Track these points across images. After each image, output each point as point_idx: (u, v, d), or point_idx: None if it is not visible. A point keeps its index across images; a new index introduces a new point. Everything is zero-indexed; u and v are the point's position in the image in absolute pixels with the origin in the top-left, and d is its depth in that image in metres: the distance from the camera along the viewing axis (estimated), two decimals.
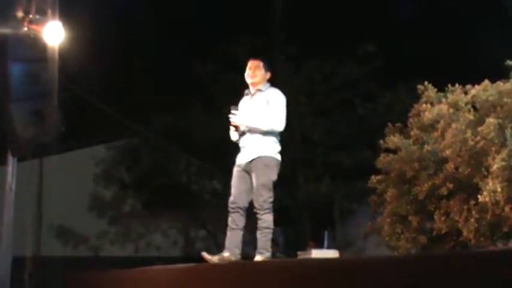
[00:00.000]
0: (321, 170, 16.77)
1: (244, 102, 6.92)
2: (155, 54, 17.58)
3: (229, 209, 6.71)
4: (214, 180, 18.01)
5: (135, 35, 17.22)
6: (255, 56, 6.94)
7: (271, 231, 6.57)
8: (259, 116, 6.64)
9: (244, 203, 6.69)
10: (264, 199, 6.54)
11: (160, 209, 18.29)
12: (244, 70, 6.89)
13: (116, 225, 18.45)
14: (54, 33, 9.45)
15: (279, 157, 6.73)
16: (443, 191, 11.08)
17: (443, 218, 11.12)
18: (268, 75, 6.89)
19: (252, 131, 6.69)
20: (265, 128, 6.61)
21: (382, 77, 16.32)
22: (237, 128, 6.73)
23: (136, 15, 17.13)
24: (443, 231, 11.13)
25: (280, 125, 6.68)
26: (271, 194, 6.57)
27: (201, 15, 17.80)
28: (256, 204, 6.62)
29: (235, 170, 6.82)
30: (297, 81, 16.81)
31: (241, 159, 6.82)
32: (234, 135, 6.86)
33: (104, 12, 16.39)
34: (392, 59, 15.83)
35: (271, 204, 6.55)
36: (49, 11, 9.54)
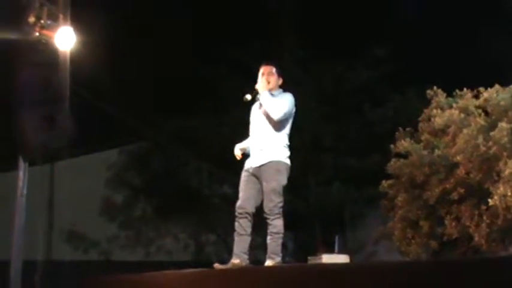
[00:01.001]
0: (331, 174, 16.74)
1: (256, 107, 6.90)
2: (166, 57, 17.56)
3: (237, 214, 6.67)
4: (225, 184, 17.97)
5: (146, 39, 17.23)
6: (267, 61, 6.90)
7: (281, 236, 6.55)
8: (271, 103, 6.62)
9: (252, 209, 6.66)
10: (274, 204, 6.51)
11: (170, 214, 18.26)
12: (254, 74, 6.87)
13: (126, 230, 18.39)
14: (65, 39, 9.50)
15: (288, 161, 6.70)
16: (454, 195, 11.10)
17: (454, 223, 11.16)
18: (281, 80, 6.87)
19: (259, 130, 6.68)
20: (271, 110, 6.58)
21: (391, 81, 16.32)
22: (255, 92, 6.70)
23: (146, 19, 17.14)
24: (454, 236, 11.17)
25: (279, 113, 6.63)
26: (281, 198, 6.54)
27: (210, 18, 17.79)
28: (266, 210, 6.57)
29: (244, 174, 6.79)
30: (307, 84, 16.77)
31: (250, 163, 6.79)
32: (237, 152, 6.88)
33: (115, 17, 16.43)
34: (401, 62, 15.79)
35: (281, 209, 6.53)
36: (60, 17, 9.60)
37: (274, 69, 6.85)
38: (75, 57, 10.06)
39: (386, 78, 16.38)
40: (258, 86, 6.81)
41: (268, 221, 6.57)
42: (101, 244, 18.19)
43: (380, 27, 16.61)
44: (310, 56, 16.93)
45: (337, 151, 16.68)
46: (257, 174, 6.68)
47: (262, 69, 6.86)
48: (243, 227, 6.64)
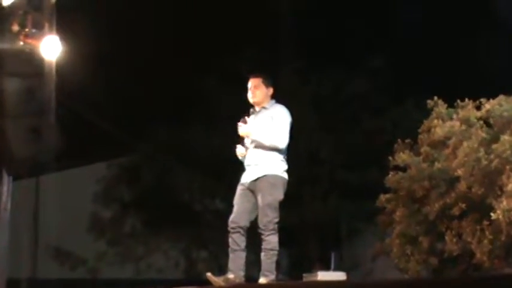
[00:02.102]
0: (327, 188, 16.71)
1: (250, 119, 6.88)
2: (155, 68, 17.52)
3: (229, 229, 6.67)
4: (217, 199, 17.94)
5: (134, 49, 17.19)
6: (254, 73, 6.89)
7: (276, 253, 6.55)
8: (264, 132, 6.60)
9: (245, 223, 6.65)
10: (269, 219, 6.51)
11: (161, 229, 18.20)
12: (246, 84, 6.84)
13: (115, 246, 18.28)
14: (51, 48, 9.45)
15: (285, 176, 6.71)
16: (455, 211, 11.03)
17: (455, 239, 11.07)
18: (271, 90, 6.85)
19: (255, 146, 6.67)
20: (267, 143, 6.58)
21: (390, 91, 16.31)
22: (242, 139, 6.70)
23: (135, 28, 17.11)
24: (455, 253, 11.09)
25: (282, 142, 6.66)
26: (276, 214, 6.54)
27: (203, 27, 17.77)
28: (260, 225, 6.58)
29: (239, 188, 6.79)
30: (303, 94, 16.78)
31: (245, 177, 6.79)
32: (240, 150, 6.82)
33: (103, 26, 16.42)
34: (400, 72, 15.81)
35: (276, 225, 6.53)
36: (46, 25, 9.54)
37: (261, 81, 6.83)
38: (61, 67, 10.04)
39: (385, 88, 16.40)
40: (248, 98, 6.81)
41: (263, 236, 6.56)
42: (89, 261, 18.06)
43: (378, 37, 16.64)
44: (307, 65, 16.95)
45: (333, 164, 16.68)
46: (252, 188, 6.68)
47: (249, 83, 6.85)
48: (236, 242, 6.63)
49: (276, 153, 6.68)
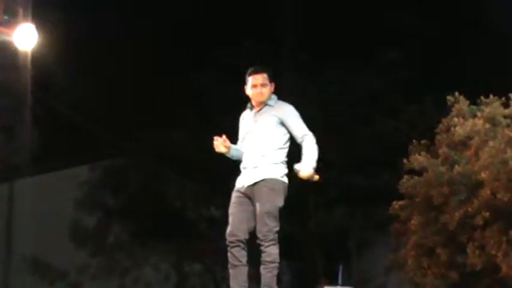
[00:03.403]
0: (334, 195, 16.57)
1: (248, 117, 6.75)
2: (145, 62, 17.49)
3: (228, 243, 6.51)
4: (212, 206, 17.95)
5: (121, 41, 17.15)
6: (257, 68, 6.76)
7: (276, 265, 6.41)
8: (309, 152, 6.54)
9: (245, 235, 6.50)
10: (269, 229, 6.36)
11: (150, 239, 18.08)
12: (244, 79, 6.71)
13: (99, 258, 18.17)
14: (26, 37, 9.46)
15: (286, 180, 6.56)
16: (478, 220, 11.06)
17: (477, 252, 11.12)
18: (273, 86, 6.73)
19: (255, 146, 6.56)
20: (317, 153, 6.56)
21: (405, 88, 16.20)
22: (314, 178, 6.63)
23: (124, 19, 17.09)
24: (478, 267, 11.13)
25: (312, 135, 6.65)
26: (276, 223, 6.40)
27: (198, 18, 17.74)
28: (259, 235, 6.43)
29: (235, 195, 6.63)
30: (309, 92, 16.68)
31: (241, 182, 6.63)
32: (220, 144, 6.71)
33: (88, 15, 16.36)
34: (417, 68, 15.71)
35: (276, 235, 6.39)
36: (20, 12, 9.49)
37: (266, 76, 6.69)
38: (38, 59, 10.12)
39: (399, 84, 16.29)
40: (248, 93, 6.65)
41: (262, 248, 6.41)
42: (70, 274, 17.98)
43: (392, 28, 16.44)
44: (312, 60, 16.86)
45: (341, 168, 16.55)
46: (250, 194, 6.51)
47: (253, 80, 6.69)
48: (236, 257, 6.47)
49: (276, 155, 6.53)
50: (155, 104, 17.37)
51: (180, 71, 17.14)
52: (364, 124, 16.76)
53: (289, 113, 6.63)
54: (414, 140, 12.64)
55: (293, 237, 15.46)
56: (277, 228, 6.38)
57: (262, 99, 6.61)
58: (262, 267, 6.37)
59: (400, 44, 16.32)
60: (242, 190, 6.54)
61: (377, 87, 16.77)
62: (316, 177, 6.52)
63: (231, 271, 6.44)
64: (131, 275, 18.35)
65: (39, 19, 9.95)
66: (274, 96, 6.69)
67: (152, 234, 17.91)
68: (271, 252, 6.37)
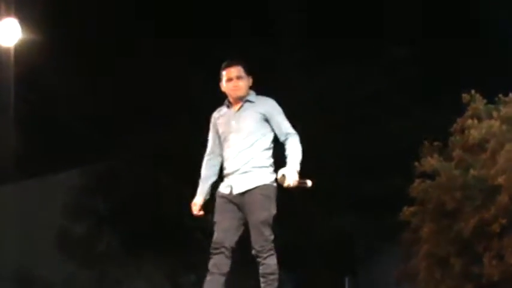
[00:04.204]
0: (340, 201, 16.58)
1: (226, 117, 6.63)
2: (137, 60, 17.47)
3: (212, 250, 6.47)
4: (210, 213, 17.88)
5: (110, 38, 17.13)
6: (230, 61, 6.68)
7: (276, 277, 6.36)
8: (292, 154, 6.42)
9: (231, 243, 6.44)
10: (265, 238, 6.30)
11: (142, 249, 18.07)
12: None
13: (88, 269, 18.06)
14: (8, 33, 9.61)
15: (275, 184, 6.53)
16: (495, 227, 11.03)
17: (494, 262, 11.10)
18: (251, 80, 6.64)
19: (243, 148, 6.45)
20: (300, 154, 6.46)
21: (417, 85, 16.20)
22: (307, 184, 6.51)
23: (111, 16, 17.08)
24: (495, 278, 11.08)
25: (296, 134, 6.52)
26: (272, 231, 6.36)
27: (191, 13, 17.73)
28: (256, 246, 6.35)
29: (220, 202, 6.54)
30: (311, 91, 16.67)
31: (228, 189, 6.53)
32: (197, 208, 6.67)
33: (74, 10, 16.33)
34: (429, 63, 15.67)
35: (272, 244, 6.34)
36: (2, 6, 9.63)
37: (242, 69, 6.59)
38: (21, 56, 10.22)
39: (409, 82, 16.24)
40: (224, 89, 6.55)
41: (260, 259, 6.34)
42: (57, 287, 17.99)
43: (400, 22, 16.36)
44: (313, 57, 16.77)
45: (347, 171, 16.56)
46: (239, 202, 6.43)
47: (227, 73, 6.59)
48: (216, 264, 6.42)
49: (264, 157, 6.44)
50: (149, 104, 17.35)
51: (173, 70, 17.10)
52: (371, 124, 16.73)
53: (273, 108, 6.51)
54: (426, 142, 12.67)
55: (294, 246, 15.45)
56: (272, 237, 6.34)
57: (240, 93, 6.48)
58: (262, 280, 6.31)
59: (410, 39, 16.32)
60: (230, 197, 6.45)
61: (386, 84, 16.70)
62: (309, 183, 6.39)
63: (207, 277, 6.41)
64: (123, 287, 18.34)
65: (23, 13, 10.08)
66: (252, 92, 6.60)
67: (145, 243, 17.93)
68: (270, 263, 6.31)
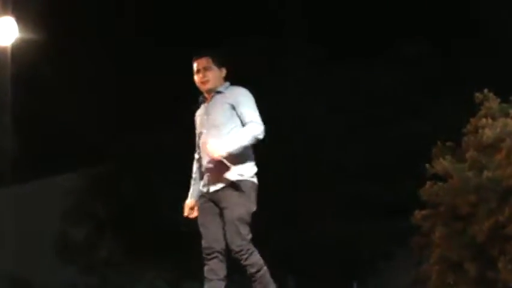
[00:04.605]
0: (348, 203, 16.45)
1: (200, 112, 6.57)
2: (139, 58, 17.50)
3: (204, 256, 6.39)
4: None
5: (109, 38, 17.20)
6: (199, 53, 6.60)
7: (265, 269, 6.24)
8: (233, 132, 6.29)
9: (222, 245, 6.33)
10: (243, 237, 6.16)
11: (144, 254, 18.06)
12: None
13: (88, 275, 18.09)
14: (5, 31, 9.53)
15: (256, 180, 6.39)
16: (510, 230, 11.02)
17: (510, 266, 11.06)
18: (224, 71, 6.50)
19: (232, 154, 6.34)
20: (248, 141, 6.25)
21: (427, 85, 16.21)
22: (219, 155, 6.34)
23: (109, 17, 17.15)
24: (511, 283, 11.07)
25: (262, 129, 6.32)
26: (248, 229, 6.25)
27: (197, 12, 17.80)
28: (233, 246, 6.23)
29: (201, 202, 6.47)
30: (319, 90, 16.62)
31: (205, 187, 6.46)
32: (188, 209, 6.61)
33: (74, 8, 16.38)
34: (440, 62, 15.73)
35: (251, 242, 6.24)
36: None
37: (210, 61, 6.49)
38: (19, 56, 10.18)
39: (420, 80, 16.28)
40: (197, 84, 6.48)
41: (242, 261, 6.22)
42: None
43: (412, 18, 16.56)
44: (323, 54, 16.79)
45: (356, 173, 16.51)
46: (216, 199, 6.33)
47: (195, 66, 6.53)
48: (214, 270, 6.32)
49: (242, 152, 6.34)
50: (150, 104, 17.35)
51: (178, 69, 17.11)
52: (380, 125, 16.69)
53: (241, 96, 6.35)
54: (438, 142, 12.68)
55: (302, 250, 15.45)
56: (250, 236, 6.18)
57: (208, 85, 6.35)
58: (252, 280, 6.22)
59: (421, 34, 16.33)
60: (208, 196, 6.37)
61: (395, 84, 16.71)
62: (232, 168, 6.18)
63: (205, 285, 6.31)
64: None
65: (20, 12, 10.03)
66: (226, 83, 6.48)
67: (147, 248, 17.92)
68: (253, 261, 6.18)
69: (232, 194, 6.19)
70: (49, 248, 17.58)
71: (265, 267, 6.20)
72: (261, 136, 6.20)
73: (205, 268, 6.32)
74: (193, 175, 6.48)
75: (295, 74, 16.62)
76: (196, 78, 6.42)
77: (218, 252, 6.27)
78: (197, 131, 6.41)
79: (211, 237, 6.29)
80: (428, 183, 12.39)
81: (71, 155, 17.64)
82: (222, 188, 6.23)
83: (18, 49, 9.98)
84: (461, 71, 15.55)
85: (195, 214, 6.49)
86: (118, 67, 17.34)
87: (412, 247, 13.00)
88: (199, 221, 6.38)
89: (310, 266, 16.48)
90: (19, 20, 9.72)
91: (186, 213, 6.54)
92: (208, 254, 6.27)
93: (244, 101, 6.26)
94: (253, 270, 6.16)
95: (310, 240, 16.22)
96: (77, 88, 16.36)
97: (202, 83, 6.39)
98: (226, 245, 6.28)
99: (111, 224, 18.50)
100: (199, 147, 6.43)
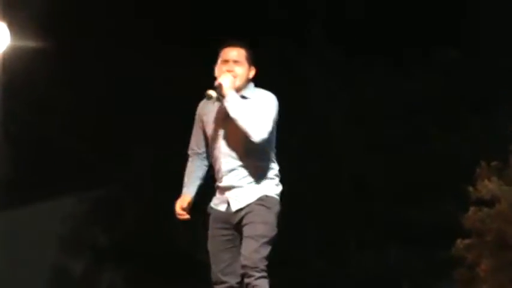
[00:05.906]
0: (381, 231, 16.46)
1: (216, 112, 6.39)
2: (137, 69, 17.63)
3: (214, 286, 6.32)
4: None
5: (110, 45, 17.27)
6: (233, 41, 6.36)
7: None
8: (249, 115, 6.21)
9: (237, 278, 6.23)
10: (261, 257, 5.97)
11: (150, 286, 17.96)
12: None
13: None
14: None
15: (278, 197, 6.32)
16: None
17: None
18: (253, 71, 6.32)
19: (240, 150, 6.17)
20: (248, 126, 6.07)
21: (470, 95, 16.16)
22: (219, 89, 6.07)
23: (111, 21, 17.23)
24: None
25: (263, 132, 6.12)
26: (268, 253, 6.12)
27: (208, 12, 17.86)
28: (248, 262, 6.07)
29: (215, 226, 6.26)
30: (341, 98, 16.75)
31: (223, 205, 6.30)
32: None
33: (69, 14, 16.46)
34: (482, 67, 15.67)
35: (266, 268, 6.14)
36: None
37: (244, 54, 6.28)
38: (10, 64, 10.26)
39: (460, 90, 16.23)
40: (220, 80, 6.25)
41: (251, 279, 6.07)
42: None
43: (449, 20, 16.49)
44: (346, 59, 16.83)
45: (390, 196, 16.49)
46: (236, 220, 6.20)
47: (224, 53, 6.27)
48: None
49: (265, 162, 6.17)
50: (151, 118, 17.44)
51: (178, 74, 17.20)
52: (417, 141, 16.69)
53: (263, 99, 6.24)
54: (482, 162, 12.50)
55: (331, 282, 15.35)
56: (267, 262, 6.11)
57: (235, 83, 6.22)
58: None
59: (459, 37, 16.48)
60: (224, 216, 6.22)
61: (430, 93, 16.71)
62: (225, 87, 5.93)
63: None
64: None
65: (12, 17, 10.19)
66: (251, 84, 6.31)
67: (153, 279, 17.90)
68: (261, 285, 6.10)
69: (260, 209, 6.04)
70: (44, 281, 17.72)
71: None
72: (254, 138, 6.00)
73: None
74: (190, 172, 6.28)
75: (313, 78, 16.68)
76: (219, 68, 6.12)
77: (231, 286, 6.18)
78: (208, 135, 6.22)
79: (224, 270, 6.11)
80: (472, 208, 12.33)
81: (70, 178, 17.62)
82: (247, 206, 6.10)
83: (10, 57, 10.17)
84: (510, 79, 15.55)
85: (187, 216, 6.28)
86: (118, 76, 17.44)
87: (455, 281, 12.92)
88: (210, 247, 6.21)
89: None
90: (11, 26, 9.85)
91: (177, 211, 6.31)
92: (219, 285, 6.19)
93: (265, 104, 6.09)
94: None
95: (340, 271, 16.12)
96: (77, 101, 16.40)
97: (230, 79, 6.13)
98: (240, 277, 6.18)
99: (113, 253, 18.59)
100: (203, 146, 6.23)
